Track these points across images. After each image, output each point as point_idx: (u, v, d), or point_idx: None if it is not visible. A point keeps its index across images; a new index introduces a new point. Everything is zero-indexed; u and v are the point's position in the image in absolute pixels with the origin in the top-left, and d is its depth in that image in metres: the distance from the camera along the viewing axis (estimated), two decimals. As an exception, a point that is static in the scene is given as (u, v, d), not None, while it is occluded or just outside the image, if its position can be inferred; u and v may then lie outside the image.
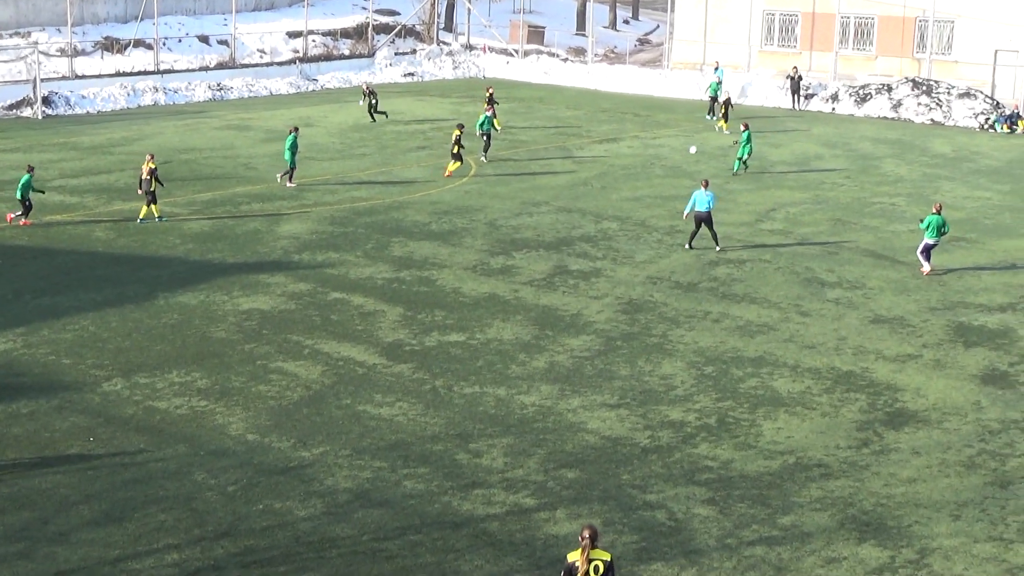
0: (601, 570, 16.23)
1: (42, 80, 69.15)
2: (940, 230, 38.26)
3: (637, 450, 25.44)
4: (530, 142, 62.96)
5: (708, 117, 70.78)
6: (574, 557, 16.26)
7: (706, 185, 41.07)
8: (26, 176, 42.07)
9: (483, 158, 55.90)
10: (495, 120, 58.56)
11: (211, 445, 25.26)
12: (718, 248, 41.19)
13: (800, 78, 74.90)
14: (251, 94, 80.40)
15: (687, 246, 41.51)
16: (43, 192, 44.12)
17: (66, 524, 21.94)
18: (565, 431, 26.26)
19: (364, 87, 72.16)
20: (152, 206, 42.85)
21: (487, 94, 65.52)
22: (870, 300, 36.34)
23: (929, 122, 73.72)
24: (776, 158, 60.11)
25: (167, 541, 21.34)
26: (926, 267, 38.74)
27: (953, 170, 59.62)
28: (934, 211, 38.52)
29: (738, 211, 47.65)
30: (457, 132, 52.22)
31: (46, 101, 69.24)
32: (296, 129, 50.45)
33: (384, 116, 68.19)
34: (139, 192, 42.47)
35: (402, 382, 28.86)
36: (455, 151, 52.14)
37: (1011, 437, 26.49)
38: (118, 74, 77.58)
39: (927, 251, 38.81)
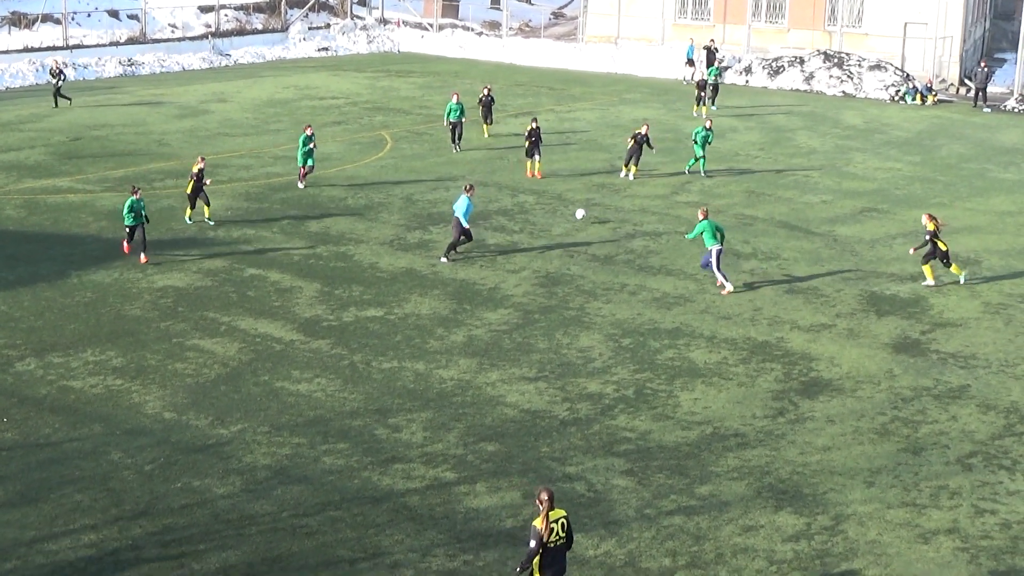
0: (565, 526, 16.57)
1: (-53, 56, 67.90)
2: (715, 234, 34.25)
3: (556, 423, 25.53)
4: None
5: (696, 113, 65.33)
6: (539, 523, 16.39)
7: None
8: None
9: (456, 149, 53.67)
10: (485, 127, 56.58)
11: (127, 424, 25.01)
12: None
13: (716, 51, 75.14)
14: (163, 69, 79.39)
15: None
16: None
17: (-23, 508, 21.65)
18: (484, 405, 26.29)
19: (53, 65, 65.79)
20: (207, 207, 39.98)
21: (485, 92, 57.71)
22: (784, 270, 36.69)
23: (841, 94, 74.63)
24: (691, 131, 60.37)
25: (84, 521, 21.13)
26: (728, 287, 34.57)
27: (864, 142, 60.33)
28: (701, 217, 34.94)
29: (654, 184, 47.90)
30: (532, 125, 48.45)
31: (-48, 78, 67.94)
32: (309, 127, 46.30)
33: (68, 101, 63.19)
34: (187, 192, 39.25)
35: (320, 358, 28.75)
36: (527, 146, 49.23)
37: (923, 404, 26.88)
38: (26, 49, 76.39)
39: (718, 261, 34.37)
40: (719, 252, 34.12)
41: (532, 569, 16.44)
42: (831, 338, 30.87)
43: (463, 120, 53.03)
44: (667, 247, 38.80)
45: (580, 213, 30.62)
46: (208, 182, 39.95)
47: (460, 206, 36.60)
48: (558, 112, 65.66)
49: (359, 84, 74.48)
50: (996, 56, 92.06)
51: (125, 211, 35.67)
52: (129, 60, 78.59)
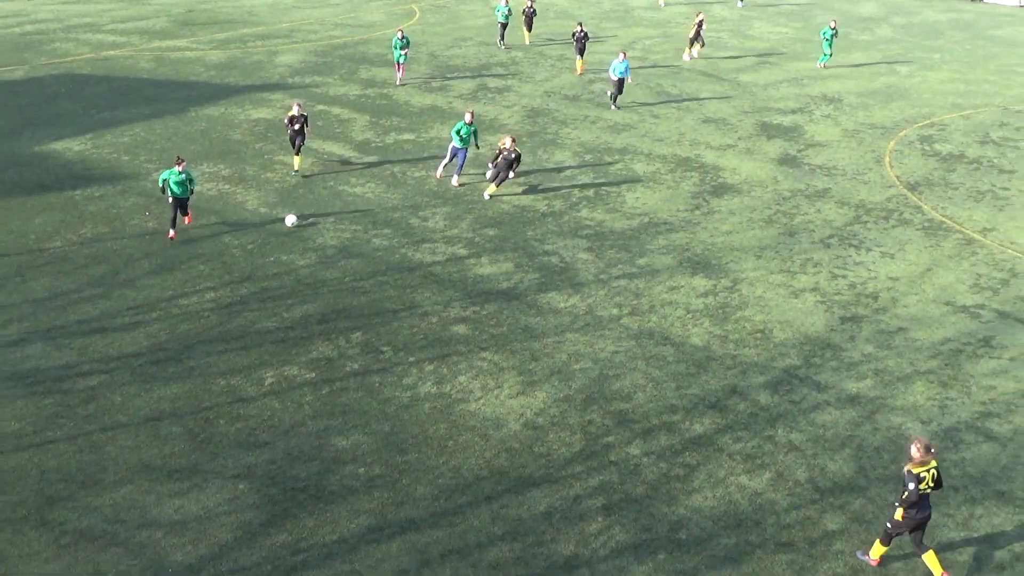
0: (936, 476, 13.42)
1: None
2: (462, 136, 26.40)
3: (537, 214, 25.53)
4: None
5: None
6: (917, 468, 13.37)
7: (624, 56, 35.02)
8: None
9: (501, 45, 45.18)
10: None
11: (234, 216, 25.01)
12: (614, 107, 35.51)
13: None
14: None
15: (613, 107, 35.55)
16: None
17: (132, 273, 21.80)
18: (486, 202, 26.21)
19: None
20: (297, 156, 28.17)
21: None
22: (701, 106, 36.21)
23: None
24: (636, 4, 58.93)
25: (206, 284, 21.32)
26: (455, 180, 27.21)
27: (761, 12, 58.84)
28: (467, 121, 26.51)
29: (609, 44, 46.81)
30: (578, 29, 40.22)
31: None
32: (400, 30, 38.45)
33: None
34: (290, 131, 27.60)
35: (370, 169, 28.55)
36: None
37: (797, 202, 26.88)
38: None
39: (456, 156, 27.00)
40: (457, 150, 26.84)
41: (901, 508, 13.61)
42: (734, 154, 30.66)
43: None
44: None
45: (291, 220, 23.59)
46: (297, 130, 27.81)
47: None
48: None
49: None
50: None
51: (172, 183, 22.81)
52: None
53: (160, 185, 23.13)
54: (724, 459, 16.22)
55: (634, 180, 28.17)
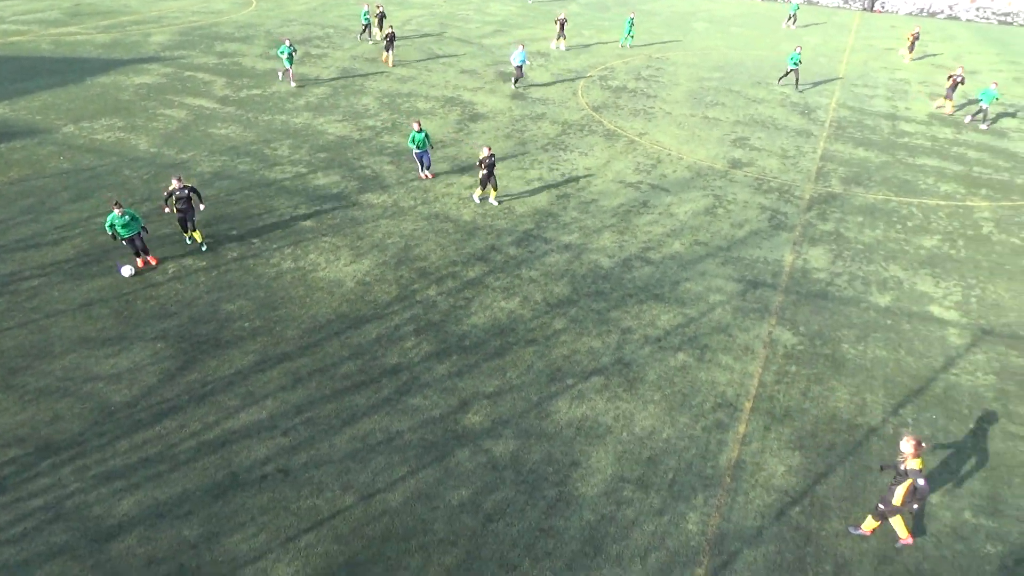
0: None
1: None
2: (418, 144, 21.20)
3: (353, 141, 24.36)
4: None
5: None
6: (920, 465, 10.41)
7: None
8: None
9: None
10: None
11: (131, 155, 22.58)
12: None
13: None
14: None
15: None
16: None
17: (55, 203, 19.45)
18: (318, 134, 24.75)
19: None
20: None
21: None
22: (459, 62, 35.12)
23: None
24: (410, -7, 55.99)
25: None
26: (426, 174, 21.75)
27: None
28: (416, 129, 21.14)
29: (395, 20, 44.50)
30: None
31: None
32: (287, 40, 30.24)
33: None
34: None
35: (231, 116, 26.29)
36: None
37: (525, 123, 26.80)
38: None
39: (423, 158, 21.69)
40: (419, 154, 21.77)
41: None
42: (483, 93, 30.11)
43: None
44: (401, 47, 36.43)
45: (127, 271, 16.17)
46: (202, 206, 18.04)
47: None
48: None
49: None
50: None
51: (118, 227, 16.22)
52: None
53: (109, 232, 16.22)
54: (489, 292, 16.48)
55: (418, 114, 27.25)
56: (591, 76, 33.65)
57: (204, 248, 17.51)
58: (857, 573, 10.80)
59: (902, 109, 29.59)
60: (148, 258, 16.82)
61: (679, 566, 10.72)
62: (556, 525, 11.22)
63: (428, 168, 21.62)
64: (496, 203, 20.18)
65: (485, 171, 19.62)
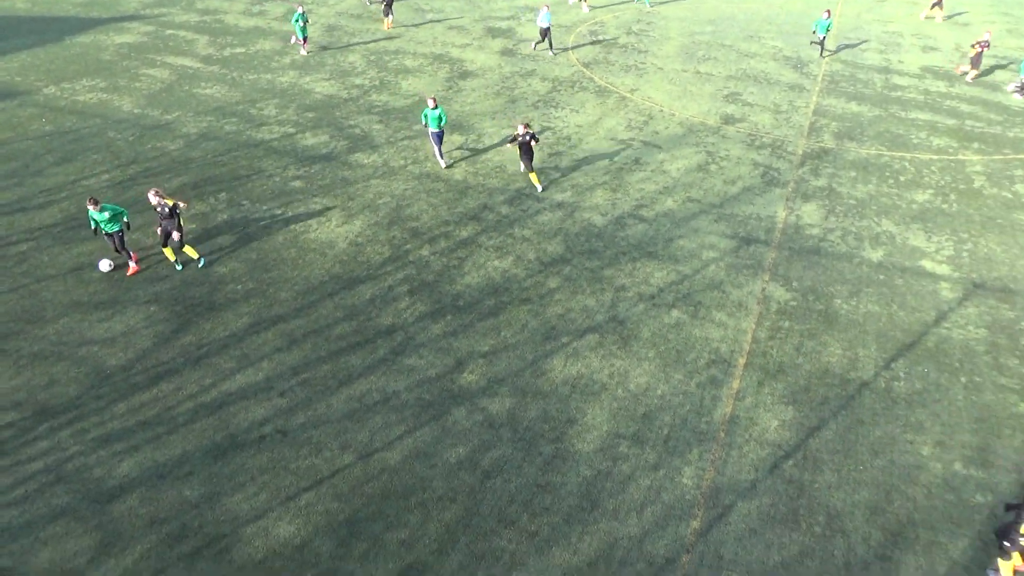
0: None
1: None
2: (431, 119, 19.26)
3: (341, 100, 24.01)
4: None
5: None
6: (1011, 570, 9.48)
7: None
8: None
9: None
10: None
11: (114, 117, 22.17)
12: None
13: None
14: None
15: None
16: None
17: (40, 166, 19.14)
18: (305, 93, 24.37)
19: None
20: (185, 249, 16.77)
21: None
22: (447, 19, 34.55)
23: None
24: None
25: (100, 169, 19.04)
26: (440, 156, 19.69)
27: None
28: (431, 106, 19.28)
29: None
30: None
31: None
32: (300, 6, 28.64)
33: None
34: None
35: (215, 75, 25.80)
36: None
37: (515, 80, 26.45)
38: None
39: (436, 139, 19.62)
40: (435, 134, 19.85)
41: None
42: (472, 50, 29.62)
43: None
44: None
45: (105, 265, 15.17)
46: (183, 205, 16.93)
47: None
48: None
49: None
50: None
51: (102, 224, 14.93)
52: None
53: (92, 228, 14.92)
54: (483, 251, 16.42)
55: (406, 72, 26.85)
56: (581, 30, 33.12)
57: (202, 264, 15.38)
58: (849, 524, 11.02)
59: (895, 62, 29.32)
60: (131, 263, 15.15)
61: (674, 519, 10.90)
62: (553, 481, 11.36)
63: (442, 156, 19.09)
64: (540, 188, 18.55)
65: (520, 149, 17.72)
